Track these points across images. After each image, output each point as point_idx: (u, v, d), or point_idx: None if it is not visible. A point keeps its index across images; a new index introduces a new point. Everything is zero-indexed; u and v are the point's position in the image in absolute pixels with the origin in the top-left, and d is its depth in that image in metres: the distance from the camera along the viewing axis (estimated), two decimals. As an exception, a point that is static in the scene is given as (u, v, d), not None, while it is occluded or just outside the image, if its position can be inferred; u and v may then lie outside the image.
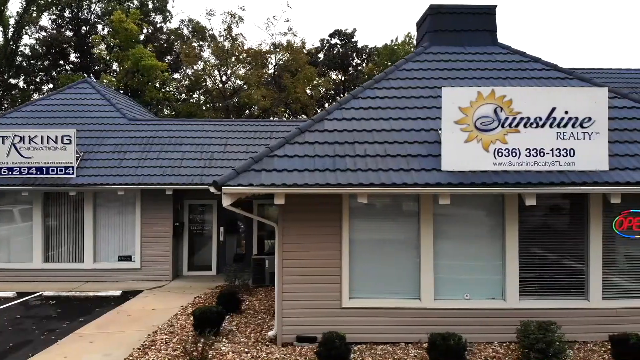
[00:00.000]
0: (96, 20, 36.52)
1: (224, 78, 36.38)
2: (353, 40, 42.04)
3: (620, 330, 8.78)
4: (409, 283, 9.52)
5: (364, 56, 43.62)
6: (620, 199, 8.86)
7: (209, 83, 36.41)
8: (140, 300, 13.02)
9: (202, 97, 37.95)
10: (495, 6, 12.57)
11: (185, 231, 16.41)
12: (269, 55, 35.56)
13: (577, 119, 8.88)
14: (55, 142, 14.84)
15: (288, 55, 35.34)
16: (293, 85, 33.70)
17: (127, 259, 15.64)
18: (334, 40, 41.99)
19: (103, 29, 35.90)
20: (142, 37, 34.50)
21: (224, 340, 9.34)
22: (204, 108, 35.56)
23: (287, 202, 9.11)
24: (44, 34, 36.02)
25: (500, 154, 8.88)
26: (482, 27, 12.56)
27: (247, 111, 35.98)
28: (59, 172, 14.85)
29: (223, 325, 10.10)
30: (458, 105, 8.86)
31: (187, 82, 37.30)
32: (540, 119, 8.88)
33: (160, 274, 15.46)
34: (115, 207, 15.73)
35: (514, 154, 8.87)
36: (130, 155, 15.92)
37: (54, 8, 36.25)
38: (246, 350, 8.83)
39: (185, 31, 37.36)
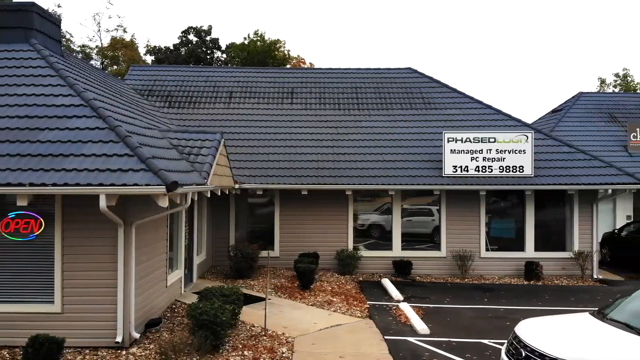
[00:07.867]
0: None
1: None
2: (209, 37, 41.64)
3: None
4: None
5: (231, 53, 43.42)
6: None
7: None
8: None
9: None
10: (32, 3, 12.34)
11: None
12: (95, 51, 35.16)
13: None
14: None
15: (119, 53, 35.00)
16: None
17: None
18: (191, 37, 41.56)
19: None
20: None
21: None
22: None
23: None
24: None
25: None
26: (17, 24, 12.34)
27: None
28: None
29: None
30: None
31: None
32: None
33: None
34: None
35: None
36: None
37: None
38: None
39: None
